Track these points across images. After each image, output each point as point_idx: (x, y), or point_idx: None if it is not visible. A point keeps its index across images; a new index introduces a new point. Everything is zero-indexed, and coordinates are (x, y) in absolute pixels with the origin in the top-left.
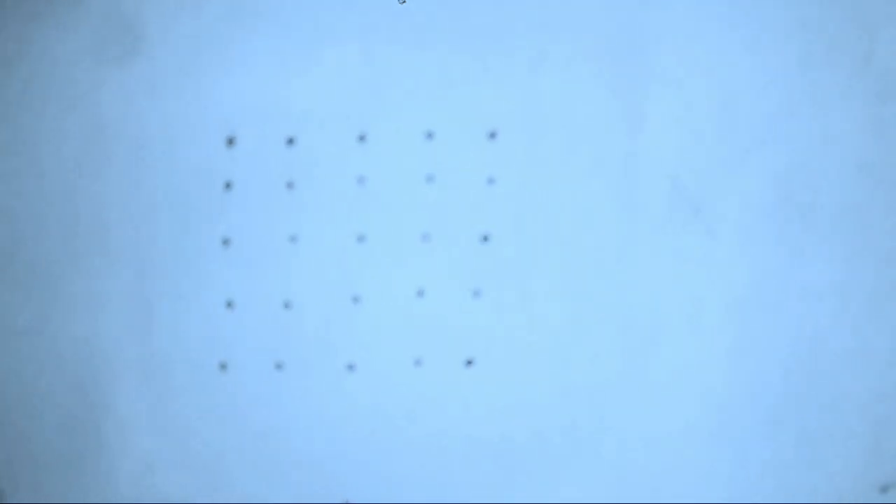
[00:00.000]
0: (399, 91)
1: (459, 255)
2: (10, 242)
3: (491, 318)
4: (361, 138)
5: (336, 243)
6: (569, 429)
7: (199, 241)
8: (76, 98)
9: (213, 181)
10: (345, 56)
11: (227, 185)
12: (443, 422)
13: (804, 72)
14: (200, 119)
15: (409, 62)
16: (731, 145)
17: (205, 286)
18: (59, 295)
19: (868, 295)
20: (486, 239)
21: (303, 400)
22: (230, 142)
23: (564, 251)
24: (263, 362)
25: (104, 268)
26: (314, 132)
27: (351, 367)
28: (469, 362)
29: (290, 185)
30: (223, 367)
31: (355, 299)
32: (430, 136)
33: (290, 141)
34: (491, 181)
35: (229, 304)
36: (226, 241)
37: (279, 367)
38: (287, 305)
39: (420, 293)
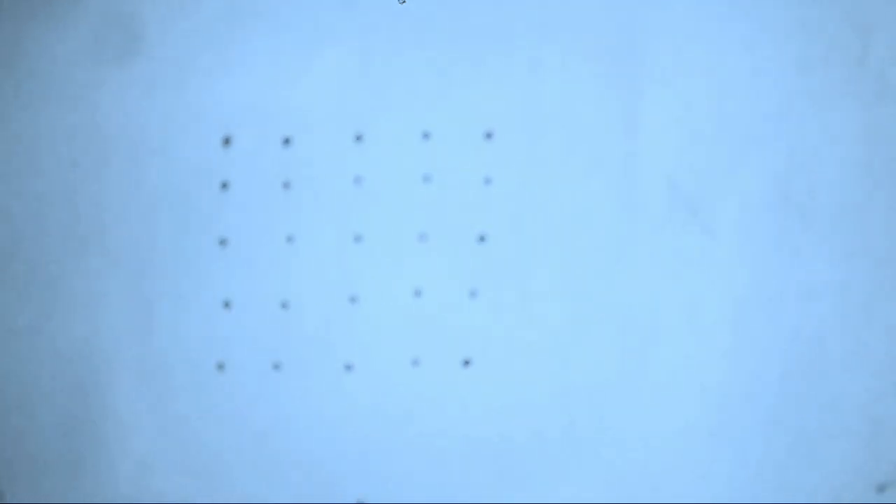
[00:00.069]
0: (396, 91)
1: (456, 255)
2: (10, 242)
3: (488, 317)
4: (358, 138)
5: (333, 243)
6: (567, 428)
7: (196, 242)
8: (75, 98)
9: (210, 181)
10: (341, 56)
11: (224, 185)
12: (440, 421)
13: (801, 73)
14: (198, 119)
15: (405, 62)
16: (728, 145)
17: (202, 286)
18: (58, 295)
19: (866, 294)
20: (482, 239)
21: (301, 400)
22: (227, 141)
23: (562, 251)
24: (261, 362)
25: (103, 268)
26: (311, 132)
27: (348, 367)
28: (466, 362)
29: (286, 186)
30: (221, 367)
31: (352, 299)
32: (426, 136)
33: (287, 141)
34: (488, 181)
35: (227, 305)
36: (223, 242)
37: (277, 367)
38: (284, 305)
39: (417, 293)
